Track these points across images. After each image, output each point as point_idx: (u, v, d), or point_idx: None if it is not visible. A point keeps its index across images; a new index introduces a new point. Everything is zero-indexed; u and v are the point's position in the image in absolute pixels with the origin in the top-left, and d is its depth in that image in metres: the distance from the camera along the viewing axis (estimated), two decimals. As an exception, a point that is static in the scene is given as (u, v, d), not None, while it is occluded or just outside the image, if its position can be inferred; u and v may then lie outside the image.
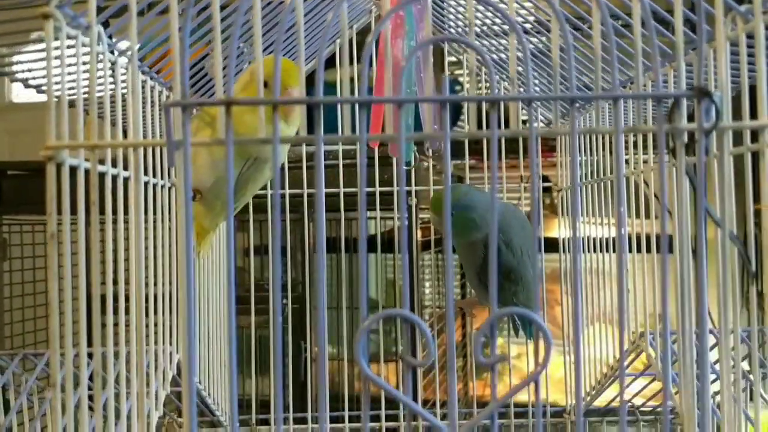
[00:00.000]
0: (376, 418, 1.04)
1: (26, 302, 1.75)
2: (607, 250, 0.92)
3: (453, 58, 1.09)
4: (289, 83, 0.65)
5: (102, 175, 0.45)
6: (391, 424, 1.05)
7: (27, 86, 0.59)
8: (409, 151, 0.82)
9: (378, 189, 1.03)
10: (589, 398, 1.02)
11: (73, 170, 0.44)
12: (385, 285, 1.82)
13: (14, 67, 0.56)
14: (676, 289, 0.48)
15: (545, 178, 1.46)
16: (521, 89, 0.61)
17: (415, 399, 1.14)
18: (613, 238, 0.90)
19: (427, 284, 1.86)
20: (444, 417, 1.06)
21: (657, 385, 0.90)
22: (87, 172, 0.44)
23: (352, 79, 0.90)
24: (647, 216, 0.83)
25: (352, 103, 0.40)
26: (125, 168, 0.52)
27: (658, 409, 1.00)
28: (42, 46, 0.53)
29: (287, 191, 1.04)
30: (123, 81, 0.54)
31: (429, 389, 1.36)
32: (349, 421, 1.04)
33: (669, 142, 0.43)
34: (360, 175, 0.41)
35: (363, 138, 0.40)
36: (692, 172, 0.44)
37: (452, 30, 0.94)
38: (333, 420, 1.05)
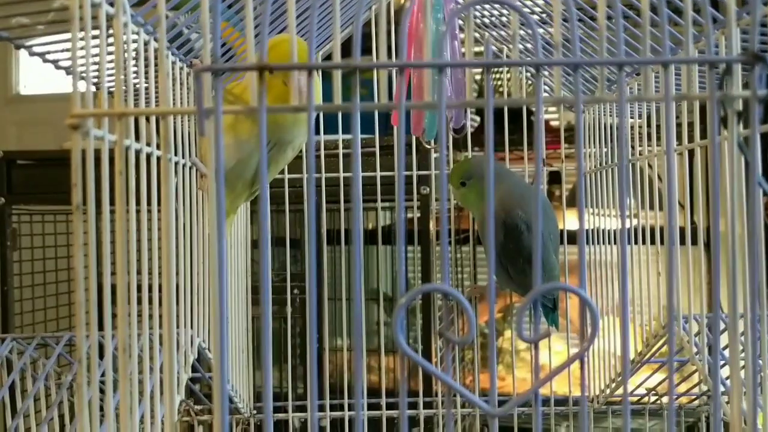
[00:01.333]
0: (375, 407, 1.03)
1: (36, 292, 1.74)
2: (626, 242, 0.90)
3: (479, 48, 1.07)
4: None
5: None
6: (411, 412, 1.04)
7: (45, 60, 0.57)
8: (432, 129, 0.80)
9: (395, 173, 1.01)
10: (608, 390, 1.00)
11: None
12: (394, 277, 1.81)
13: (33, 40, 0.54)
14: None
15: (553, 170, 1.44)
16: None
17: (427, 388, 1.13)
18: (628, 229, 0.88)
19: (439, 275, 1.85)
20: (462, 405, 1.05)
21: (684, 373, 0.89)
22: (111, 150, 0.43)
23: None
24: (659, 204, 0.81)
25: (390, 67, 0.39)
26: (148, 144, 0.50)
27: (680, 398, 0.98)
28: (63, 17, 0.52)
29: (304, 176, 1.02)
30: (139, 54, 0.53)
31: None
32: (350, 410, 1.03)
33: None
34: (397, 146, 0.39)
35: (402, 105, 0.39)
36: (744, 144, 0.42)
37: (479, 13, 0.92)
38: (339, 408, 1.04)
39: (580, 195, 0.41)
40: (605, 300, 0.98)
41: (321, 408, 1.03)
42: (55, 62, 0.58)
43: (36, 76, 2.66)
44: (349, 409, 1.03)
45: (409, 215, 1.27)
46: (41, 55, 0.56)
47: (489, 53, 0.37)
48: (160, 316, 0.47)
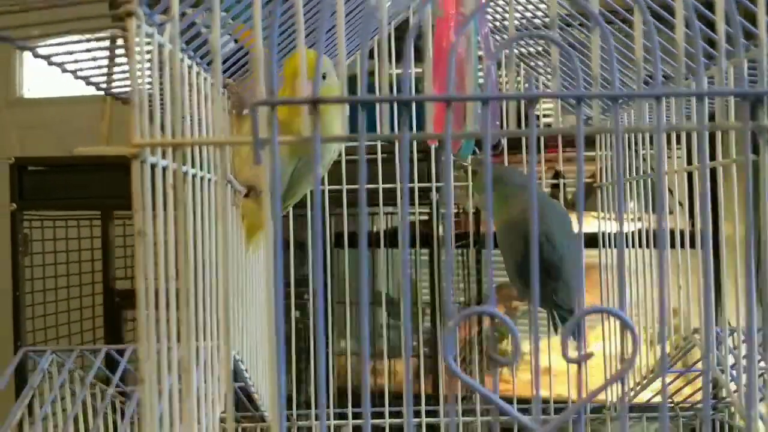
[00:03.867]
0: (379, 415, 1.03)
1: (48, 297, 1.75)
2: (644, 246, 0.91)
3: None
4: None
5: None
6: (414, 420, 1.05)
7: (88, 83, 0.58)
8: (468, 148, 0.82)
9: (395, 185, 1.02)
10: (626, 398, 1.01)
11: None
12: (397, 279, 1.80)
13: (79, 65, 0.56)
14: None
15: (558, 174, 1.45)
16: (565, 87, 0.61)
17: (429, 395, 1.12)
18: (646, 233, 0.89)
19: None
20: (464, 413, 1.04)
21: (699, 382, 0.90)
22: (164, 170, 0.44)
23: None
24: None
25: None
26: (195, 164, 0.52)
27: (698, 405, 0.99)
28: (105, 44, 0.53)
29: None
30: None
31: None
32: (354, 418, 1.04)
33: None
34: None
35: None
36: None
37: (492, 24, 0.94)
38: (343, 417, 1.05)
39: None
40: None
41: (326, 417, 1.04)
42: (96, 84, 0.59)
43: (40, 79, 2.67)
44: (354, 418, 1.03)
45: (412, 218, 1.28)
46: (85, 78, 0.57)
47: (532, 86, 0.39)
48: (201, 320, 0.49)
